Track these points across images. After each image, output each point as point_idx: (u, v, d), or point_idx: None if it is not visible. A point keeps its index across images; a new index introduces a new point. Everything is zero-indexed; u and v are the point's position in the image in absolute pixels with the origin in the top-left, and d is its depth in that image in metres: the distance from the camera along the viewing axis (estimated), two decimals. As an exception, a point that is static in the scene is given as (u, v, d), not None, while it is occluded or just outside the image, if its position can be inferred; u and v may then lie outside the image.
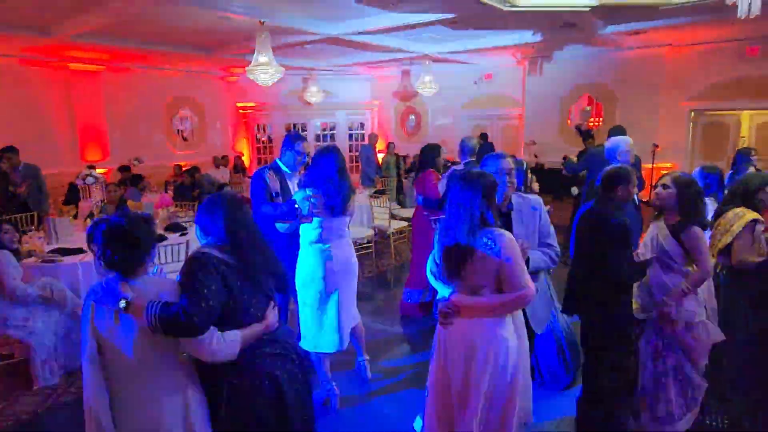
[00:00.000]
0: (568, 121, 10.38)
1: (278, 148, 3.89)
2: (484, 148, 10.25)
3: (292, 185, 3.46)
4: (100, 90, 9.89)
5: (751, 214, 2.78)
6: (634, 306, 2.77)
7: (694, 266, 2.60)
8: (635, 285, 2.76)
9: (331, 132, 13.61)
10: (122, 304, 1.69)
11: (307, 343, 3.19)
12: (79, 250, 4.17)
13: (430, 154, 4.56)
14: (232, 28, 7.22)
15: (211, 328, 1.74)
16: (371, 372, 3.64)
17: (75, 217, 6.42)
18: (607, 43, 9.20)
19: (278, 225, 3.21)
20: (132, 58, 9.62)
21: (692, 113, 9.41)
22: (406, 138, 13.40)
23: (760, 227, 2.79)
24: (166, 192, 8.19)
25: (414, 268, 4.77)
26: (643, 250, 2.79)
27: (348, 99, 13.55)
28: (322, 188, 3.04)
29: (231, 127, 12.96)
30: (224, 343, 1.76)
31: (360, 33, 7.66)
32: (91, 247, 1.77)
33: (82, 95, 9.65)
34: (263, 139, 13.39)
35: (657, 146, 8.87)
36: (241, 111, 13.04)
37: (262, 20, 6.63)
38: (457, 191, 2.14)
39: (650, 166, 8.65)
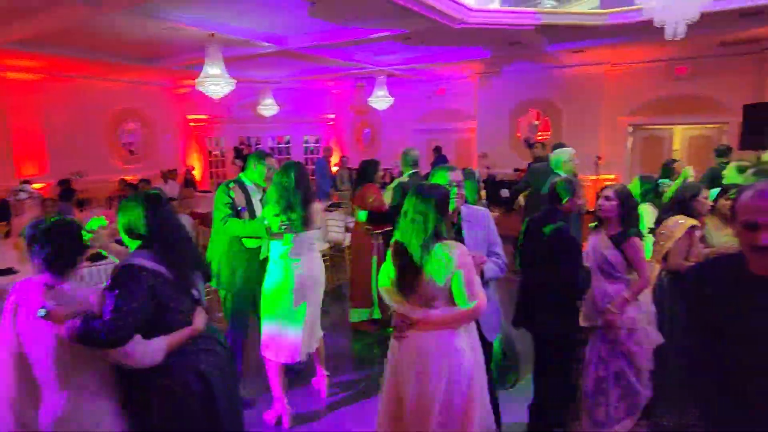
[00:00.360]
0: (518, 134, 10.76)
1: (230, 161, 3.85)
2: (438, 161, 10.53)
3: (256, 200, 3.46)
4: (38, 100, 9.37)
5: (690, 221, 2.96)
6: (581, 316, 2.87)
7: (635, 275, 2.73)
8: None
9: (287, 145, 13.48)
10: (41, 312, 1.68)
11: (269, 352, 3.18)
12: (10, 271, 3.90)
13: (368, 168, 4.62)
14: (181, 38, 7.05)
15: (136, 337, 1.74)
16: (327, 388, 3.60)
17: (7, 235, 6.01)
18: (552, 61, 9.65)
19: (245, 241, 3.28)
20: (74, 67, 9.19)
21: (631, 127, 9.98)
22: (362, 151, 13.46)
23: (697, 233, 2.98)
24: (110, 208, 7.81)
25: (355, 286, 4.75)
26: (584, 259, 2.91)
27: (303, 112, 13.50)
28: (288, 204, 3.07)
29: (181, 140, 12.58)
30: (149, 351, 1.77)
31: (313, 47, 7.68)
32: (32, 248, 1.78)
33: (17, 106, 9.10)
34: (215, 152, 13.09)
35: (600, 158, 9.34)
36: (191, 124, 12.69)
37: (212, 32, 6.52)
38: (410, 205, 2.15)
39: (594, 177, 9.08)
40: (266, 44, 7.42)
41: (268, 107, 11.70)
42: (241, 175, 3.50)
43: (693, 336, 1.56)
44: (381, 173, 4.72)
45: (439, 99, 12.15)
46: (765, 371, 1.39)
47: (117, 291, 1.74)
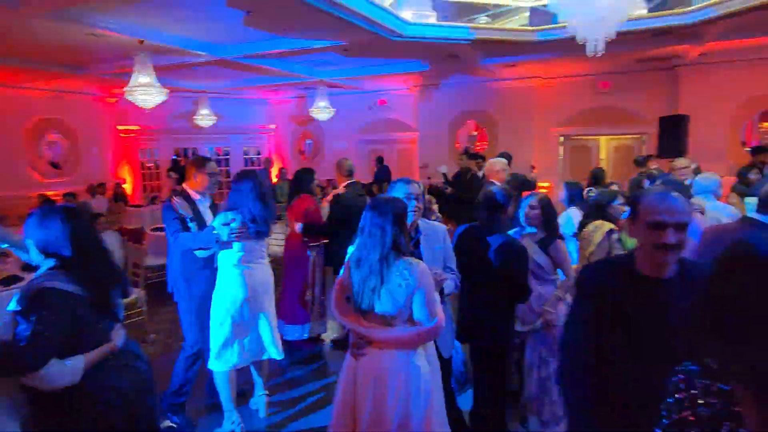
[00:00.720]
0: (457, 145, 11.06)
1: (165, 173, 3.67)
2: (381, 172, 10.62)
3: (204, 209, 3.33)
4: (-58, 110, 8.55)
5: (608, 225, 3.15)
6: (516, 321, 2.97)
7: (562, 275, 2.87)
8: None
9: (226, 157, 13.10)
10: None
11: (221, 363, 3.08)
12: None
13: (303, 177, 4.48)
14: (108, 45, 6.69)
15: (51, 360, 1.65)
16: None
17: None
18: (487, 74, 10.02)
19: (198, 252, 3.18)
20: (-15, 74, 8.50)
21: (561, 138, 10.55)
22: (304, 162, 13.32)
23: (615, 236, 3.17)
24: (28, 225, 7.20)
25: (287, 303, 4.49)
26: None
27: (242, 123, 13.18)
28: (247, 212, 3.03)
29: (111, 152, 11.90)
30: (66, 371, 1.69)
31: (251, 56, 7.54)
32: None
33: None
34: (149, 165, 12.48)
35: (534, 167, 9.76)
36: (122, 135, 12.04)
37: (141, 39, 6.24)
38: (368, 219, 2.09)
39: (529, 185, 9.49)
40: (202, 53, 7.20)
41: (205, 118, 11.34)
42: (185, 185, 3.37)
43: (585, 334, 1.62)
44: (317, 182, 4.62)
45: (381, 110, 12.28)
46: (651, 366, 1.47)
47: (34, 316, 1.65)
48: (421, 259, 2.41)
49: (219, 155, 13.01)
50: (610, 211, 3.24)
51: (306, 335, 4.52)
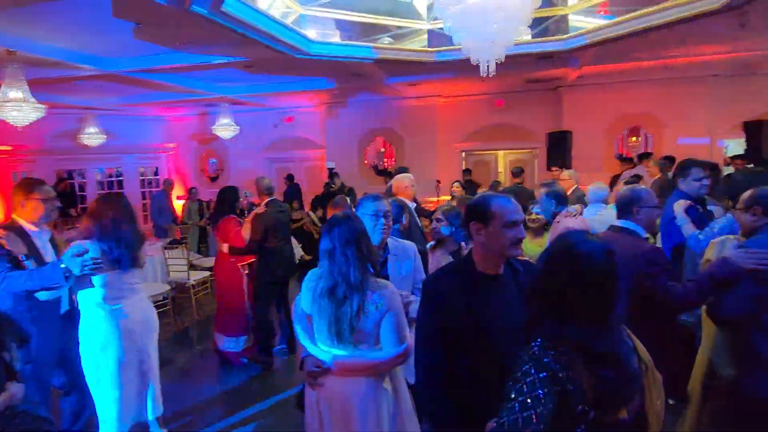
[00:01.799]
0: (365, 162, 11.22)
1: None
2: (291, 190, 10.43)
3: (43, 242, 2.85)
4: None
5: None
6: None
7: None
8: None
9: (118, 179, 12.09)
10: None
11: (111, 427, 2.71)
12: None
13: (228, 197, 4.39)
14: (-32, 56, 5.91)
15: None
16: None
17: None
18: (392, 92, 10.34)
19: (40, 294, 2.67)
20: None
21: (463, 153, 11.14)
22: (209, 182, 12.72)
23: None
24: None
25: (227, 315, 4.55)
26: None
27: (137, 141, 12.28)
28: (104, 241, 2.69)
29: (-23, 175, 10.45)
30: None
31: (145, 71, 7.07)
32: None
33: None
34: (26, 189, 11.11)
35: (439, 182, 10.19)
36: (-9, 156, 10.63)
37: (11, 49, 5.59)
38: (336, 240, 1.96)
39: (435, 199, 9.86)
40: (86, 66, 6.61)
41: (93, 136, 10.41)
42: (14, 216, 2.82)
43: (432, 339, 1.71)
44: (242, 203, 4.59)
45: (288, 127, 12.12)
46: (495, 362, 1.60)
47: None
48: (388, 279, 2.36)
49: (110, 176, 11.98)
50: None
51: (241, 347, 4.50)
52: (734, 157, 7.18)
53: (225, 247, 4.36)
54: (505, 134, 10.65)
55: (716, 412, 2.28)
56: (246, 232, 4.24)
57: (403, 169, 5.99)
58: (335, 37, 7.36)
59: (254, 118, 11.71)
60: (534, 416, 1.21)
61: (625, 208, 2.42)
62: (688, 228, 2.96)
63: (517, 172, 6.84)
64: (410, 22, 7.12)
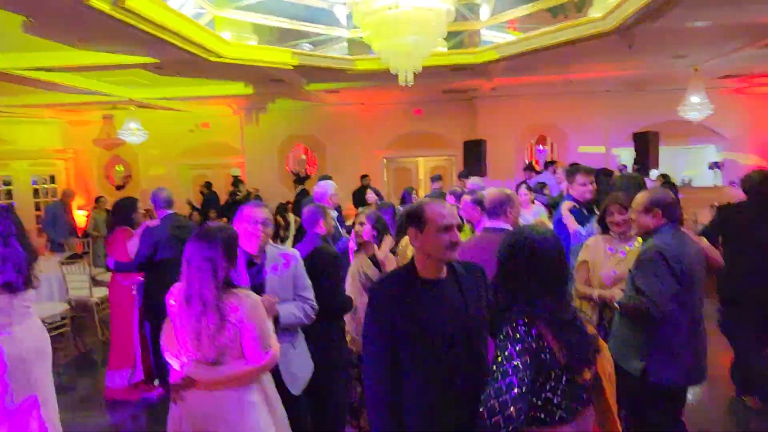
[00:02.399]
0: (287, 169, 11.04)
1: None
2: (208, 198, 9.97)
3: None
4: None
5: None
6: (348, 338, 3.02)
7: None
8: (348, 319, 3.02)
9: (7, 187, 10.84)
10: None
11: None
12: None
13: (123, 208, 4.04)
14: None
15: None
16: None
17: None
18: (313, 99, 10.27)
19: None
20: None
21: (385, 160, 11.32)
22: (115, 191, 11.80)
23: None
24: None
25: (114, 347, 4.14)
26: (350, 280, 3.09)
27: (30, 147, 11.11)
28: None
29: None
30: None
31: (35, 69, 6.43)
32: None
33: None
34: None
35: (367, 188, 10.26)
36: None
37: None
38: (195, 251, 1.91)
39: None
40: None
41: (-25, 141, 9.27)
42: None
43: (377, 345, 1.73)
44: (142, 212, 4.16)
45: (205, 133, 11.60)
46: (439, 364, 1.66)
47: None
48: (263, 288, 2.33)
49: (-3, 185, 10.73)
50: None
51: (135, 379, 4.07)
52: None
53: (109, 262, 3.99)
54: (424, 142, 10.97)
55: (625, 400, 2.50)
56: (133, 246, 3.88)
57: (326, 177, 6.01)
58: (253, 41, 7.18)
59: (168, 122, 11.08)
60: (515, 381, 1.38)
61: (496, 209, 2.59)
62: (571, 225, 3.34)
63: (436, 178, 7.09)
64: (330, 29, 7.11)
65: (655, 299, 2.22)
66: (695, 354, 2.30)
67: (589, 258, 2.75)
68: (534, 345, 1.45)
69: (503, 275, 1.60)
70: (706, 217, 7.66)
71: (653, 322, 2.30)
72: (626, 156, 9.83)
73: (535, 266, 1.52)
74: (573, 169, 3.77)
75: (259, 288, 2.32)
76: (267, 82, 8.29)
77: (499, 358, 1.44)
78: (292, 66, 6.71)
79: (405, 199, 5.66)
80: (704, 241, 2.59)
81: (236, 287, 1.98)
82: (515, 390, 1.36)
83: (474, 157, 8.30)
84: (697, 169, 10.60)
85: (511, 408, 1.34)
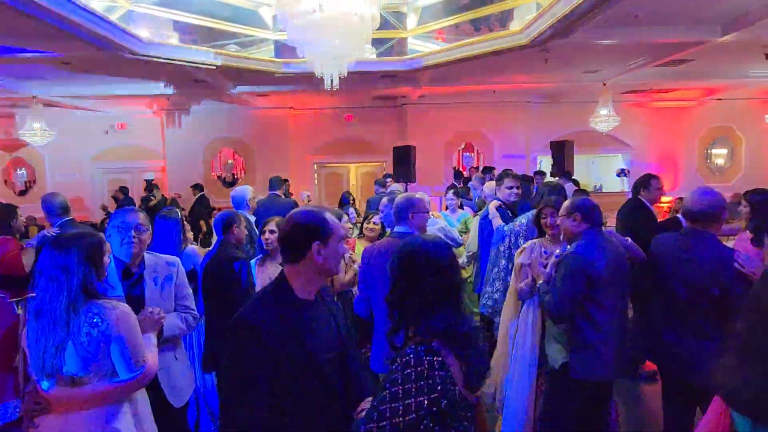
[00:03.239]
0: (213, 174, 10.61)
1: None
2: (124, 203, 9.32)
3: None
4: None
5: None
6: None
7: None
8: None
9: None
10: None
11: None
12: None
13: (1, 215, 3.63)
14: None
15: None
16: None
17: None
18: (241, 102, 9.96)
19: None
20: None
21: (315, 165, 11.20)
22: (17, 197, 10.73)
23: (347, 256, 3.41)
24: None
25: None
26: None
27: None
28: None
29: None
30: None
31: None
32: None
33: None
34: None
35: (291, 194, 10.06)
36: None
37: None
38: (47, 260, 1.73)
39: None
40: None
41: None
42: None
43: (258, 387, 1.52)
44: (23, 220, 3.74)
45: (122, 135, 10.87)
46: (325, 388, 1.56)
47: None
48: (143, 299, 2.20)
49: None
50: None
51: (16, 415, 3.56)
52: (566, 174, 8.32)
53: None
54: (355, 148, 10.99)
55: (547, 395, 2.63)
56: (29, 257, 3.47)
57: (277, 179, 5.95)
58: (173, 39, 6.83)
59: (78, 123, 10.27)
60: (400, 409, 1.28)
61: (401, 214, 2.66)
62: (496, 221, 3.58)
63: (383, 182, 7.08)
64: (255, 30, 6.93)
65: (555, 300, 2.37)
66: (617, 350, 2.40)
67: (525, 261, 2.86)
68: (428, 369, 1.32)
69: (397, 289, 1.47)
70: (614, 220, 8.28)
71: (556, 321, 2.45)
72: (547, 163, 10.42)
73: (434, 277, 1.43)
74: (503, 174, 4.07)
75: (138, 299, 2.19)
76: (189, 83, 7.92)
77: (388, 383, 1.33)
78: (215, 66, 6.46)
79: (344, 201, 5.61)
80: (629, 239, 2.76)
81: (103, 298, 1.81)
82: (398, 419, 1.27)
83: (403, 163, 8.40)
84: (607, 175, 11.45)
85: None
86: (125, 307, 1.83)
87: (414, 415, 1.27)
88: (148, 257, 2.34)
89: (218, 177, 10.68)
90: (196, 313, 2.46)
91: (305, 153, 10.98)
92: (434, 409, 1.29)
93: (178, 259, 2.47)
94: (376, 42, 7.53)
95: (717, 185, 9.75)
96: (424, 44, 7.52)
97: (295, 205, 6.14)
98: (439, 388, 1.30)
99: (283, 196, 6.39)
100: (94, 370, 1.74)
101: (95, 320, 1.72)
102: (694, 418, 2.47)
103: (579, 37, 5.63)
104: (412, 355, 1.33)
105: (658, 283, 2.54)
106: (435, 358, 1.33)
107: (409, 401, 1.28)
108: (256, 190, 7.16)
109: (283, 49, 7.32)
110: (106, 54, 5.62)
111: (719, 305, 2.25)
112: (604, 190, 11.28)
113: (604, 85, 8.64)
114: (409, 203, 2.64)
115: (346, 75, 4.86)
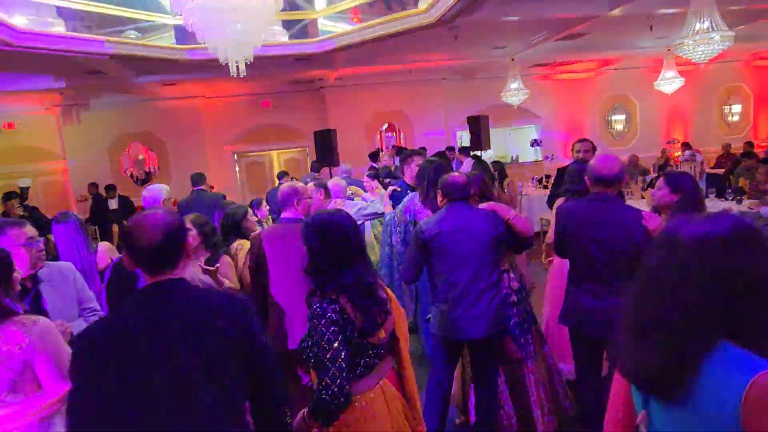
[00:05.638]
0: (122, 171, 9.89)
1: None
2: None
3: None
4: None
5: (247, 243, 3.11)
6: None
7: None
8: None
9: None
10: None
11: None
12: None
13: None
14: None
15: None
16: None
17: None
18: (146, 93, 9.31)
19: None
20: None
21: (235, 155, 10.78)
22: None
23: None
24: None
25: None
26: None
27: None
28: None
29: None
30: None
31: None
32: None
33: None
34: None
35: (212, 188, 9.62)
36: None
37: None
38: None
39: (210, 205, 9.32)
40: None
41: None
42: None
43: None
44: None
45: (10, 135, 9.79)
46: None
47: None
48: (45, 311, 2.09)
49: None
50: (246, 225, 3.33)
51: None
52: (461, 149, 8.63)
53: None
54: (275, 135, 10.69)
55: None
56: None
57: (198, 175, 5.61)
58: (58, 27, 6.19)
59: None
60: (327, 347, 1.58)
61: (287, 201, 2.76)
62: (388, 209, 3.64)
63: (281, 175, 6.98)
64: (153, 15, 6.46)
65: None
66: (452, 312, 2.58)
67: None
68: (335, 315, 1.62)
69: (314, 257, 1.75)
70: (529, 188, 8.76)
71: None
72: (467, 138, 10.75)
73: (334, 240, 1.71)
74: (407, 153, 4.10)
75: (41, 313, 2.05)
76: (81, 75, 7.25)
77: (313, 331, 1.62)
78: (107, 56, 5.95)
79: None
80: (492, 204, 2.74)
81: (15, 314, 1.72)
82: (330, 355, 1.57)
83: (325, 147, 8.29)
84: (522, 146, 12.04)
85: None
86: (46, 321, 1.77)
87: (328, 346, 1.58)
88: (43, 270, 2.24)
89: (130, 175, 9.98)
90: (101, 312, 2.40)
91: (222, 143, 10.53)
92: (341, 343, 1.61)
93: (71, 265, 2.40)
94: (288, 25, 7.30)
95: (617, 150, 10.66)
96: (338, 25, 7.40)
97: (223, 197, 5.88)
98: (338, 330, 1.61)
99: (208, 190, 6.08)
100: (17, 388, 1.68)
101: (16, 336, 1.64)
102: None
103: (484, 14, 5.79)
104: (318, 309, 1.63)
105: (574, 249, 2.60)
106: (337, 306, 1.63)
107: (324, 338, 1.59)
108: (172, 185, 6.79)
109: (187, 35, 6.90)
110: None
111: (635, 264, 2.36)
112: (520, 160, 11.85)
113: (513, 60, 8.99)
114: (293, 191, 2.77)
115: (252, 60, 4.66)
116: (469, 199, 2.63)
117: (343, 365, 1.57)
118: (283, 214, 2.79)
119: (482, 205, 2.67)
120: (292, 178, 6.76)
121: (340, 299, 1.65)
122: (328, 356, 1.58)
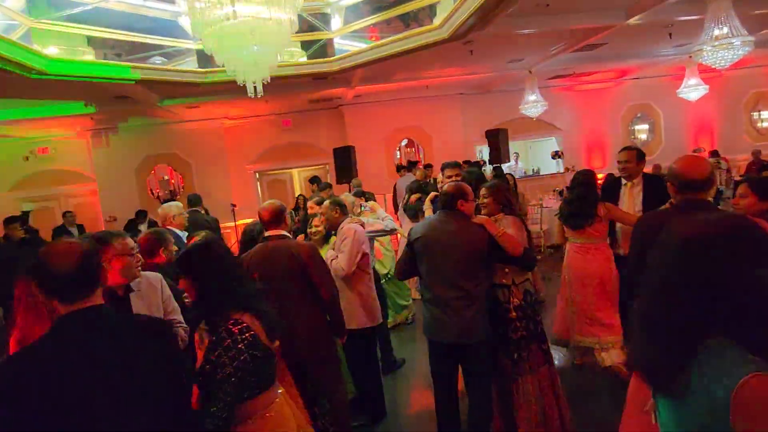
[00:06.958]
0: (149, 192, 10.19)
1: None
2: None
3: None
4: None
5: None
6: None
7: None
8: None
9: None
10: None
11: None
12: None
13: None
14: None
15: None
16: None
17: None
18: (170, 116, 9.60)
19: None
20: None
21: (257, 174, 10.97)
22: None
23: None
24: None
25: None
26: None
27: None
28: None
29: None
30: None
31: None
32: None
33: None
34: None
35: (235, 205, 9.81)
36: None
37: None
38: None
39: (232, 224, 9.48)
40: None
41: None
42: None
43: None
44: None
45: (43, 160, 10.22)
46: None
47: None
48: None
49: None
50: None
51: None
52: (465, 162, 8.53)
53: None
54: (295, 153, 10.86)
55: None
56: None
57: (194, 196, 5.77)
58: (88, 55, 6.50)
59: (-8, 150, 9.59)
60: (230, 369, 1.60)
61: (277, 219, 2.81)
62: (429, 212, 3.74)
63: (324, 186, 6.93)
64: (175, 41, 6.71)
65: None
66: (430, 313, 2.69)
67: None
68: (237, 339, 1.64)
69: (200, 284, 1.78)
70: (551, 201, 8.64)
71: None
72: (486, 152, 10.70)
73: (216, 262, 1.79)
74: (444, 165, 4.23)
75: None
76: (110, 100, 7.55)
77: (215, 354, 1.62)
78: (134, 81, 6.20)
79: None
80: (482, 218, 2.73)
81: None
82: (230, 381, 1.59)
83: (345, 164, 8.39)
84: (544, 159, 11.91)
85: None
86: None
87: (230, 367, 1.61)
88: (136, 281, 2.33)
89: (157, 196, 10.26)
90: (186, 325, 2.41)
91: (244, 162, 10.75)
92: (241, 364, 1.64)
93: (159, 275, 2.47)
94: (307, 45, 7.49)
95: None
96: (355, 44, 7.55)
97: (216, 222, 6.03)
98: (244, 347, 1.64)
99: (203, 212, 6.24)
100: None
101: None
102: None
103: (498, 28, 5.81)
104: (224, 333, 1.65)
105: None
106: (242, 326, 1.67)
107: (225, 359, 1.62)
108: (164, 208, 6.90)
109: (207, 59, 7.13)
110: (7, 75, 5.26)
111: None
112: (542, 173, 11.72)
113: (530, 72, 8.97)
114: (284, 208, 2.90)
115: (269, 81, 4.78)
116: (456, 208, 2.66)
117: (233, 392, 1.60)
118: (269, 231, 2.84)
119: (475, 219, 2.67)
120: (329, 185, 6.81)
121: (244, 318, 1.70)
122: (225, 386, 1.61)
